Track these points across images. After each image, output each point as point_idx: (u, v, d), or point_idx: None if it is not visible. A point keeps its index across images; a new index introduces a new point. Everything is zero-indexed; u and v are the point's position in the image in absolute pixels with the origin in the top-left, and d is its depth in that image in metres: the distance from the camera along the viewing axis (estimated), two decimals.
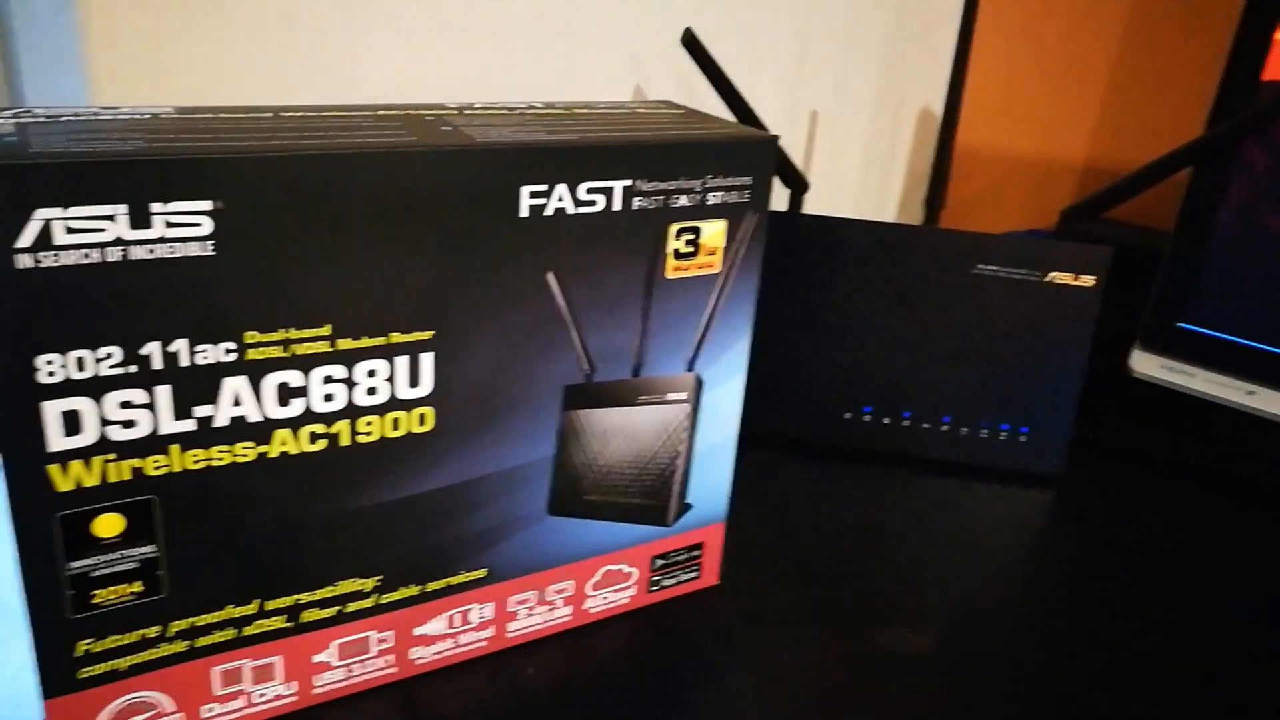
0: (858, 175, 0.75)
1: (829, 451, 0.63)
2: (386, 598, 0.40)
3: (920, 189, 0.82)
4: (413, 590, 0.40)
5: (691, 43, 0.52)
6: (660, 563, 0.47)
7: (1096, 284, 0.58)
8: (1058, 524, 0.58)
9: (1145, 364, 0.59)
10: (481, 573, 0.42)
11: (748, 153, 0.40)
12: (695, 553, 0.48)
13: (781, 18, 0.63)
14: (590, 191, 0.37)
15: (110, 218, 0.30)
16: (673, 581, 0.48)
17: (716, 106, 0.56)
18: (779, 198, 0.66)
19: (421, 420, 0.37)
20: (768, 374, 0.62)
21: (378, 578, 0.39)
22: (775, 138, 0.41)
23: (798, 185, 0.59)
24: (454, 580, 0.41)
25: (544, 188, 0.36)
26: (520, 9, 0.50)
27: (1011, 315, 0.59)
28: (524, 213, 0.36)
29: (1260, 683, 0.46)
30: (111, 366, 0.32)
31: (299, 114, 0.37)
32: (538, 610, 0.44)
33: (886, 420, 0.62)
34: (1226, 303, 0.56)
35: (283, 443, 0.35)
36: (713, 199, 0.40)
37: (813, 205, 0.73)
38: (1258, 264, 0.55)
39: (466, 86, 0.49)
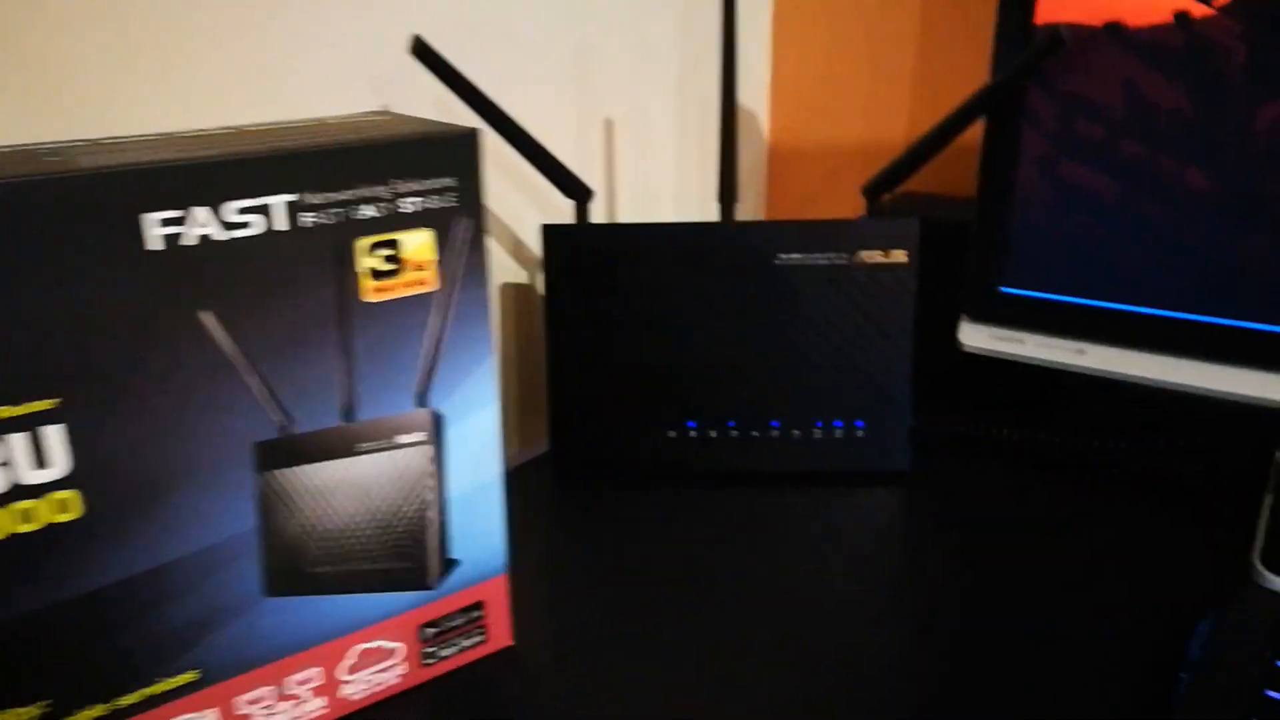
0: (673, 179, 0.71)
1: (656, 476, 0.58)
2: None
3: (752, 185, 0.79)
4: (98, 710, 0.33)
5: (423, 51, 0.47)
6: (431, 631, 0.41)
7: (909, 259, 0.54)
8: (909, 521, 0.53)
9: (974, 336, 0.55)
10: (191, 675, 0.35)
11: (444, 150, 0.35)
12: (475, 614, 0.42)
13: (556, 28, 0.59)
14: (241, 212, 0.32)
15: None
16: (452, 650, 0.42)
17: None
18: (564, 211, 0.61)
19: (63, 508, 0.31)
20: (574, 401, 0.56)
21: (44, 704, 0.32)
22: (474, 131, 0.36)
23: (580, 194, 0.54)
24: (155, 690, 0.34)
25: (176, 214, 0.30)
26: (229, 25, 0.44)
27: (824, 303, 0.55)
28: (155, 245, 0.30)
29: (1127, 660, 0.41)
30: None
31: None
32: (280, 708, 0.38)
33: (713, 434, 0.57)
34: (1042, 261, 0.53)
35: None
36: (409, 206, 0.35)
37: (628, 215, 0.69)
38: (1063, 217, 0.51)
39: (164, 121, 0.43)
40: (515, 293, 0.61)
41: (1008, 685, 0.41)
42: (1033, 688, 0.41)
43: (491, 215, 0.58)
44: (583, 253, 0.54)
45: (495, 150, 0.57)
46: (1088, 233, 0.51)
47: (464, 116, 0.53)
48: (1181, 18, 0.45)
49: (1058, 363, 0.53)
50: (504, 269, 0.60)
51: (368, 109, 0.50)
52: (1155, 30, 0.46)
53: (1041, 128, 0.50)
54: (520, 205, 0.60)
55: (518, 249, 0.60)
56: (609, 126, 0.64)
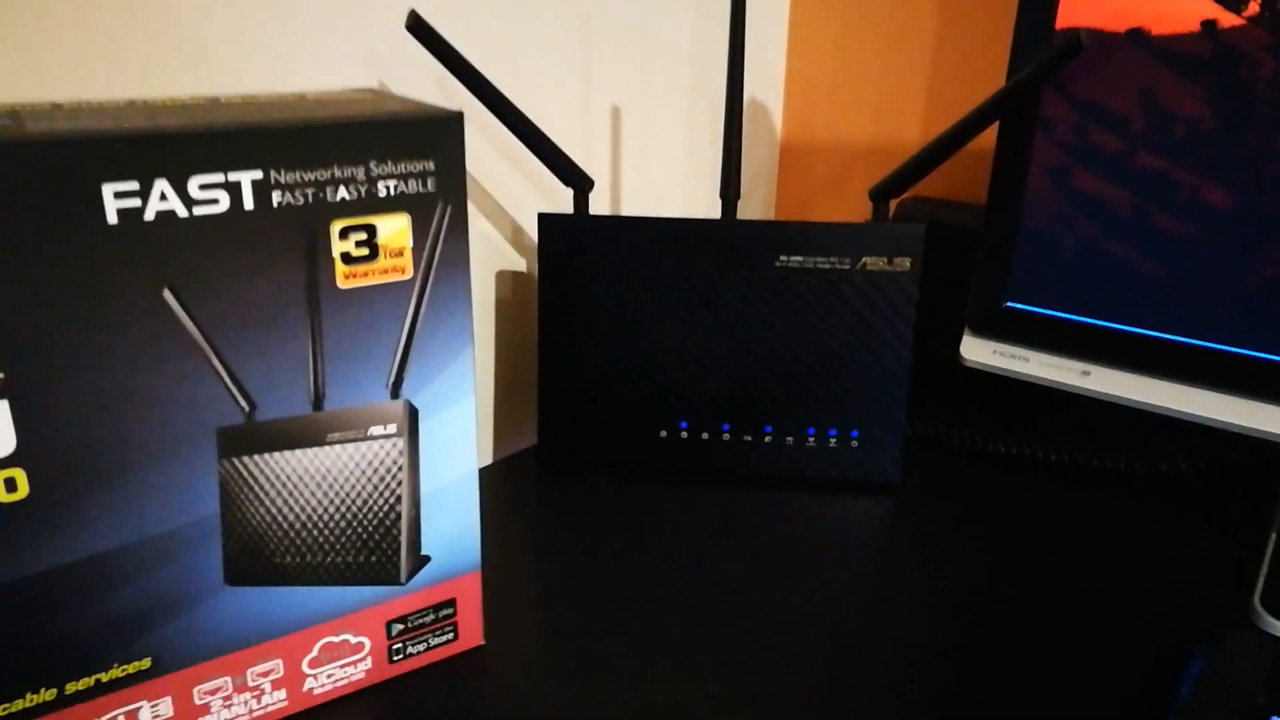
0: (680, 173, 0.69)
1: (646, 474, 0.56)
2: (3, 710, 0.32)
3: (762, 181, 0.77)
4: (46, 696, 0.33)
5: (419, 27, 0.46)
6: (399, 628, 0.40)
7: (913, 267, 0.53)
8: (897, 532, 0.52)
9: (976, 350, 0.54)
10: (144, 663, 0.34)
11: (425, 133, 0.34)
12: (446, 611, 0.41)
13: (565, 11, 0.57)
14: (206, 188, 0.31)
15: None
16: (421, 648, 0.41)
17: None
18: (563, 200, 0.60)
19: (10, 486, 0.30)
20: (564, 394, 0.55)
21: None
22: (458, 114, 0.35)
23: (579, 183, 0.53)
24: (106, 676, 0.34)
25: (134, 186, 0.29)
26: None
27: (824, 309, 0.53)
28: (113, 219, 0.29)
29: (1112, 691, 0.40)
30: None
31: None
32: (238, 699, 0.37)
33: (705, 435, 0.56)
34: (1051, 277, 0.51)
35: None
36: (385, 189, 0.34)
37: (633, 206, 0.67)
38: (1075, 231, 0.49)
39: (144, 86, 0.42)
40: (512, 280, 0.59)
41: (986, 709, 0.39)
42: (1013, 714, 0.39)
43: (491, 200, 0.57)
44: (578, 243, 0.53)
45: (499, 133, 0.56)
46: (1099, 248, 0.49)
47: (464, 97, 0.51)
48: (1208, 26, 0.44)
49: (1061, 383, 0.51)
50: (501, 255, 0.59)
51: (360, 85, 0.49)
52: (1179, 39, 0.44)
53: (1056, 135, 0.48)
54: (522, 190, 0.59)
55: (517, 235, 0.59)
56: (616, 115, 0.63)
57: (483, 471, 0.58)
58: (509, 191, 0.58)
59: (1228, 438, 0.56)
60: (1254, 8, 0.42)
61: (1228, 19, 0.43)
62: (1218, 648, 0.40)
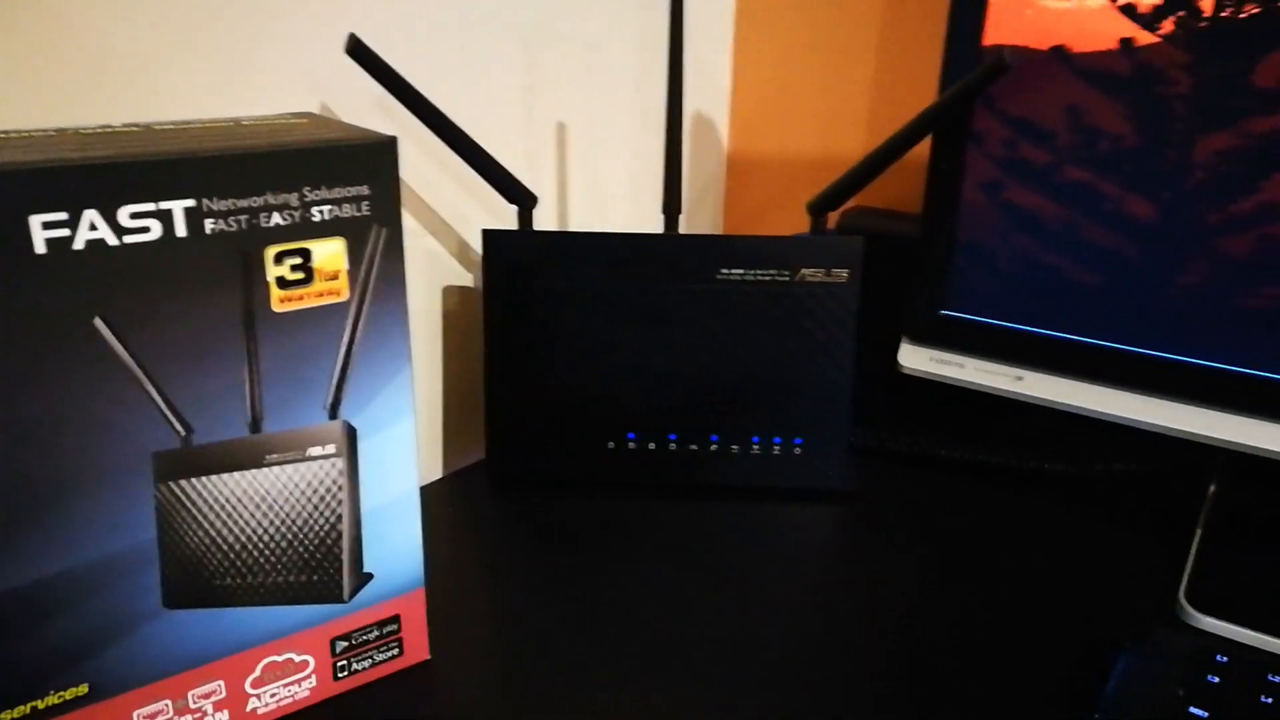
0: (626, 188, 0.70)
1: (594, 486, 0.57)
2: None
3: (710, 194, 0.78)
4: None
5: (359, 50, 0.46)
6: (343, 645, 0.40)
7: (850, 278, 0.54)
8: (845, 539, 0.53)
9: (913, 358, 0.55)
10: (81, 689, 0.34)
11: (357, 158, 0.34)
12: (391, 628, 0.41)
13: (508, 29, 0.58)
14: (136, 217, 0.31)
15: None
16: (366, 664, 0.41)
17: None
18: (510, 215, 0.60)
19: None
20: (511, 408, 0.56)
21: None
22: (391, 139, 0.35)
23: (522, 199, 0.53)
24: (42, 704, 0.34)
25: (63, 216, 0.30)
26: (160, 13, 0.43)
27: (765, 320, 0.54)
28: (41, 249, 0.29)
29: (1042, 688, 0.41)
30: None
31: None
32: None
33: (652, 446, 0.56)
34: (985, 286, 0.52)
35: None
36: (319, 214, 0.34)
37: (580, 221, 0.68)
38: (1007, 242, 0.51)
39: (82, 113, 0.42)
40: (458, 295, 0.60)
41: (920, 706, 0.40)
42: (947, 713, 0.40)
43: (436, 216, 0.57)
44: (523, 259, 0.54)
45: (444, 149, 0.56)
46: (1030, 258, 0.50)
47: (408, 114, 0.52)
48: (1126, 44, 0.45)
49: (995, 388, 0.52)
50: (448, 271, 0.59)
51: (301, 108, 0.49)
52: (1099, 56, 0.46)
53: (987, 150, 0.50)
54: (468, 207, 0.59)
55: (463, 251, 0.60)
56: (561, 130, 0.64)
57: (432, 486, 0.58)
58: (454, 208, 0.58)
59: (1157, 439, 0.58)
60: (1169, 26, 0.44)
61: (1144, 37, 0.45)
62: (1144, 643, 0.42)
